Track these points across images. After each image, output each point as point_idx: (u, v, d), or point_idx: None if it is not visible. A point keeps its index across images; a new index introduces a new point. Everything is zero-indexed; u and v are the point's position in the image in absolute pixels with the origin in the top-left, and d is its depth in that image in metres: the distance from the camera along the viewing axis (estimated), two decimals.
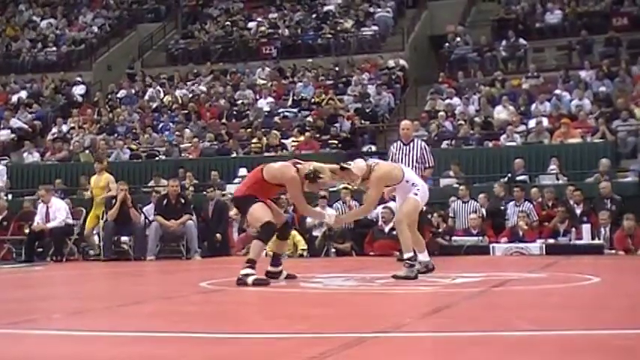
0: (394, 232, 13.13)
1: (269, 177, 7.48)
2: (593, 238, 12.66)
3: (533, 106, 18.01)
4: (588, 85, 18.71)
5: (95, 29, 27.14)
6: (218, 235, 13.97)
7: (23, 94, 23.91)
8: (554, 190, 13.97)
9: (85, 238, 14.01)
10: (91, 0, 29.44)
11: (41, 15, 28.57)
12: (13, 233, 13.99)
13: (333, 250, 13.43)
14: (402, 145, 11.20)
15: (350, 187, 14.53)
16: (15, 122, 21.92)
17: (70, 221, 13.68)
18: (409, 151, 11.07)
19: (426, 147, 11.38)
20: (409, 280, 7.34)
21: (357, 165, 7.53)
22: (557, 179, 15.04)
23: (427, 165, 11.15)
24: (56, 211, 13.44)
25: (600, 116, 16.84)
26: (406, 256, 7.55)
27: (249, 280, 7.05)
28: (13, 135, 21.44)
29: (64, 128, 21.29)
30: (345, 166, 7.57)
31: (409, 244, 7.61)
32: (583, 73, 19.37)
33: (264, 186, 7.51)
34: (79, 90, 24.16)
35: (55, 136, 20.92)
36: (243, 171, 16.61)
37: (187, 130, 19.75)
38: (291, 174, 7.42)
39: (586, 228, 12.72)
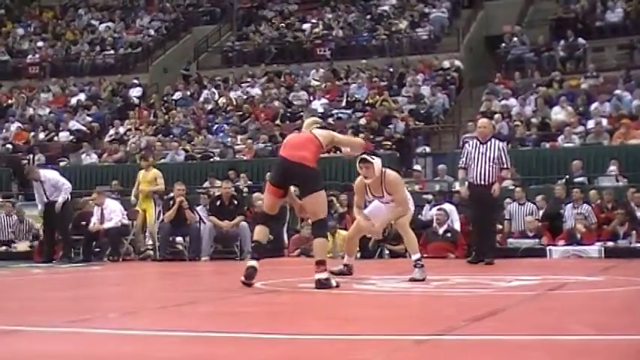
0: (449, 235, 13.09)
1: (326, 144, 7.17)
2: None
3: (593, 106, 17.69)
4: None
5: (152, 32, 27.52)
6: (270, 236, 13.98)
7: (82, 96, 24.36)
8: (614, 192, 13.69)
9: (135, 236, 14.20)
10: (148, 3, 29.87)
11: (99, 19, 29.09)
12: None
13: (387, 251, 13.36)
14: (478, 143, 10.89)
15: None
16: (73, 124, 22.35)
17: (126, 221, 13.87)
18: (486, 150, 10.76)
19: (504, 147, 11.06)
20: (422, 281, 7.40)
21: (378, 164, 7.45)
22: (617, 181, 14.74)
23: (504, 166, 10.85)
24: (111, 213, 13.65)
25: None
26: (415, 257, 7.64)
27: (333, 282, 6.81)
28: (71, 137, 21.86)
29: (121, 130, 21.62)
30: (368, 158, 7.44)
31: (415, 244, 7.78)
32: None
33: (317, 154, 7.10)
34: (135, 92, 24.52)
35: (112, 137, 21.27)
36: None
37: (242, 132, 19.90)
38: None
39: None
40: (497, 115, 18.08)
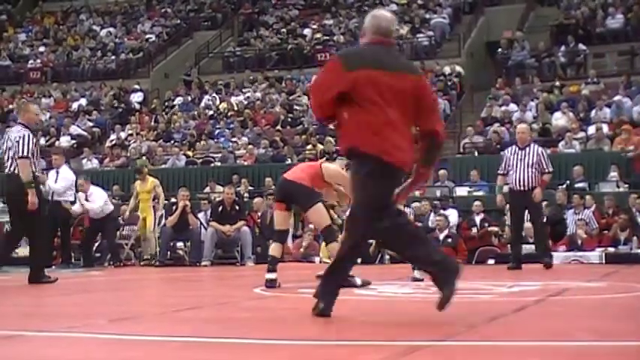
0: (449, 240, 13.07)
1: (328, 177, 7.72)
2: None
3: (593, 112, 17.69)
4: None
5: (153, 37, 27.56)
6: (270, 241, 14.00)
7: (83, 101, 24.40)
8: (615, 198, 13.69)
9: (136, 242, 14.17)
10: (149, 9, 29.92)
11: (101, 24, 29.15)
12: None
13: (387, 257, 13.35)
14: (517, 149, 10.90)
15: None
16: (75, 129, 22.37)
17: (110, 208, 13.72)
18: (524, 155, 10.77)
19: (544, 152, 11.06)
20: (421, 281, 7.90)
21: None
22: (618, 187, 14.73)
23: (546, 170, 10.83)
24: (96, 199, 13.50)
25: None
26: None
27: (357, 281, 7.38)
28: (73, 142, 21.88)
29: (122, 135, 21.64)
30: None
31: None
32: None
33: (320, 185, 7.78)
34: (136, 97, 24.56)
35: (114, 142, 21.29)
36: None
37: (243, 137, 19.91)
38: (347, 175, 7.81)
39: None
40: (496, 124, 18.02)
